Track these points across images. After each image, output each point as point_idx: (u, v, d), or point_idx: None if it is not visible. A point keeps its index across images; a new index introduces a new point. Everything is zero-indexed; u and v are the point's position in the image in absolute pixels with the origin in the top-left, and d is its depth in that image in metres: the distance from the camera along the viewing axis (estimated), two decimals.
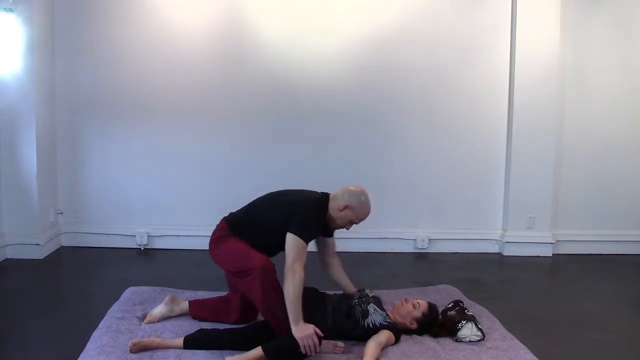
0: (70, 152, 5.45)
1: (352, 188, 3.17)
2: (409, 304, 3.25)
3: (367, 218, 3.19)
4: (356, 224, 3.19)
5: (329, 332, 3.05)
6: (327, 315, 3.12)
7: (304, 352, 2.82)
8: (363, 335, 3.08)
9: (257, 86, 5.42)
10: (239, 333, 3.08)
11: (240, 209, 3.27)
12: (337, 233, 5.50)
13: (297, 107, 5.44)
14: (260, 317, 3.21)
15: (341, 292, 3.40)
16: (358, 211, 3.12)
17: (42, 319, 3.69)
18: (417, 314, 3.23)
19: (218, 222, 3.27)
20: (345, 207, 3.10)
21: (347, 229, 3.22)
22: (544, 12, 5.36)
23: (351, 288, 3.37)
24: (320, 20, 5.39)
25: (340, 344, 3.00)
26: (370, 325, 3.10)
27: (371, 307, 3.18)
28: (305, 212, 3.04)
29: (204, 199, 5.41)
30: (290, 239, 2.94)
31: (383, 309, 3.22)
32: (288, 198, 3.18)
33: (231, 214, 3.28)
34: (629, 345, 3.55)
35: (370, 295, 3.29)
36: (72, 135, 5.44)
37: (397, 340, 3.11)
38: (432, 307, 3.30)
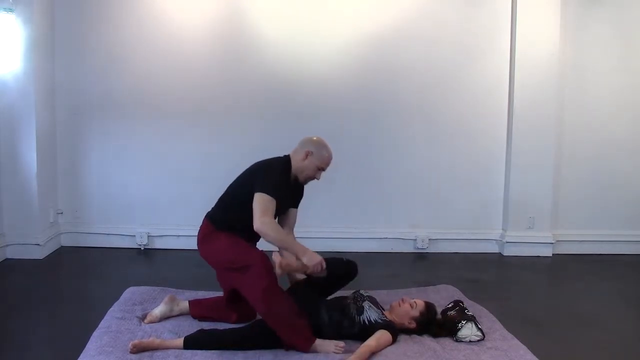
0: (70, 152, 5.45)
1: (308, 138, 3.28)
2: (406, 304, 3.26)
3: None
4: (324, 170, 3.26)
5: (326, 333, 3.06)
6: (322, 316, 3.13)
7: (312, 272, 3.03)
8: (361, 332, 3.09)
9: (257, 86, 5.42)
10: (239, 332, 3.08)
11: (216, 203, 3.30)
12: (338, 233, 5.49)
13: (297, 106, 5.44)
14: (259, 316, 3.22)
15: (336, 295, 3.40)
16: (320, 155, 3.21)
17: (42, 319, 3.70)
18: (415, 313, 3.23)
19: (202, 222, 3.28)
20: (307, 154, 3.19)
21: (318, 179, 3.27)
22: (544, 12, 5.36)
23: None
24: (321, 20, 5.39)
25: (341, 343, 3.00)
26: (366, 322, 3.10)
27: (366, 304, 3.19)
28: (266, 171, 3.12)
29: (204, 199, 5.33)
30: (255, 197, 2.99)
31: (379, 308, 3.23)
32: (248, 172, 3.23)
33: (210, 211, 3.30)
34: (629, 345, 3.55)
35: (365, 294, 3.30)
36: (72, 135, 5.44)
37: (394, 340, 3.10)
38: (429, 305, 3.31)
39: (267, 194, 3.00)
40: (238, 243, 3.10)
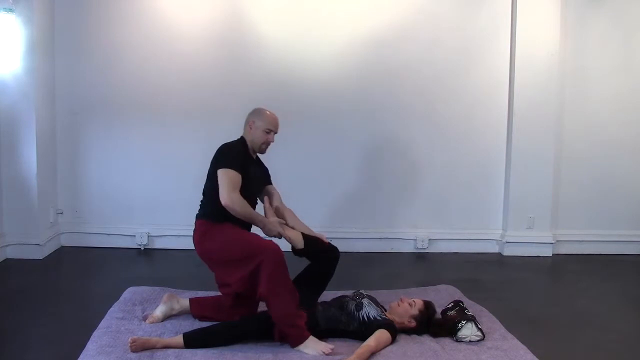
0: (70, 152, 5.45)
1: (249, 112, 3.47)
2: (405, 303, 3.28)
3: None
4: (274, 132, 3.40)
5: (323, 328, 3.08)
6: (319, 310, 3.15)
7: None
8: (360, 327, 3.10)
9: (257, 86, 5.41)
10: (238, 327, 3.10)
11: (200, 203, 3.37)
12: (338, 233, 5.50)
13: (297, 106, 5.43)
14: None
15: (336, 295, 3.42)
16: (261, 119, 3.37)
17: (42, 319, 3.69)
18: (414, 312, 3.25)
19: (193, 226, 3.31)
20: (251, 124, 3.38)
21: (272, 141, 3.41)
22: (544, 12, 5.36)
23: (311, 232, 3.39)
24: (321, 20, 5.39)
25: (331, 346, 2.98)
26: (365, 318, 3.11)
27: (365, 301, 3.20)
28: (224, 151, 3.28)
29: None
30: (220, 173, 3.13)
31: (379, 306, 3.24)
32: (212, 161, 3.33)
33: (198, 213, 3.34)
34: (629, 345, 3.55)
35: (365, 293, 3.31)
36: (72, 135, 5.44)
37: (394, 339, 3.11)
38: (428, 304, 3.33)
39: (229, 167, 3.14)
40: (240, 233, 3.15)
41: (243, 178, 3.19)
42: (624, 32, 5.56)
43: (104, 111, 5.41)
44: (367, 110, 5.51)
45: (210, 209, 3.23)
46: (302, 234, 3.29)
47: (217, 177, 3.17)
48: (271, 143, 3.43)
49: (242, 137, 3.43)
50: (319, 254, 3.27)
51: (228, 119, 5.42)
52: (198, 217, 3.31)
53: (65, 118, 5.40)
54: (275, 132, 3.43)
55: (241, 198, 3.13)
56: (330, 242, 3.39)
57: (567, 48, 5.49)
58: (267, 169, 3.58)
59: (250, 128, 3.38)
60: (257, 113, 3.42)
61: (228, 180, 3.12)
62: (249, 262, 3.02)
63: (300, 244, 3.22)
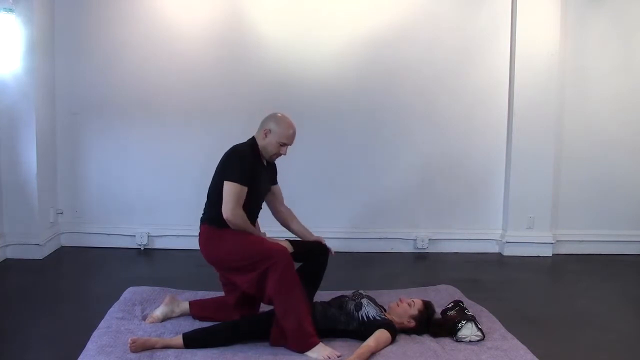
0: (70, 152, 5.45)
1: (269, 115, 3.29)
2: (404, 303, 3.29)
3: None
4: (288, 144, 3.26)
5: (322, 327, 3.07)
6: (317, 309, 3.15)
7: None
8: (360, 327, 3.10)
9: (257, 86, 5.41)
10: (238, 327, 3.10)
11: (205, 206, 3.32)
12: (338, 233, 5.50)
13: (297, 107, 5.40)
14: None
15: (336, 294, 3.41)
16: (279, 130, 3.20)
17: (42, 319, 3.69)
18: (414, 311, 3.25)
19: (199, 229, 3.29)
20: (266, 133, 3.21)
21: (284, 154, 3.28)
22: (544, 12, 5.36)
23: (310, 235, 3.39)
24: (321, 20, 5.39)
25: (338, 352, 2.97)
26: (364, 318, 3.11)
27: (364, 301, 3.21)
28: (233, 158, 3.16)
29: (204, 199, 5.37)
30: (225, 186, 3.07)
31: (378, 306, 3.24)
32: (220, 163, 3.26)
33: (202, 215, 3.31)
34: (629, 345, 3.55)
35: (364, 294, 3.32)
36: (72, 135, 5.44)
37: (394, 339, 3.11)
38: (427, 303, 3.33)
39: (237, 182, 3.07)
40: (248, 237, 3.11)
41: (252, 187, 3.13)
42: (624, 32, 5.56)
43: (104, 111, 5.41)
44: (367, 110, 5.51)
45: (215, 214, 3.17)
46: (289, 240, 3.25)
47: (222, 185, 3.11)
48: (283, 155, 3.31)
49: (253, 139, 3.28)
50: (308, 255, 3.25)
51: (228, 119, 5.46)
52: (202, 221, 3.27)
53: (65, 118, 5.40)
54: (290, 145, 3.30)
55: (243, 213, 3.09)
56: (324, 243, 3.36)
57: (567, 48, 5.49)
58: (275, 167, 3.46)
59: (266, 136, 3.21)
60: (276, 122, 3.22)
61: (234, 196, 3.06)
62: (259, 266, 3.01)
63: (289, 248, 3.17)
